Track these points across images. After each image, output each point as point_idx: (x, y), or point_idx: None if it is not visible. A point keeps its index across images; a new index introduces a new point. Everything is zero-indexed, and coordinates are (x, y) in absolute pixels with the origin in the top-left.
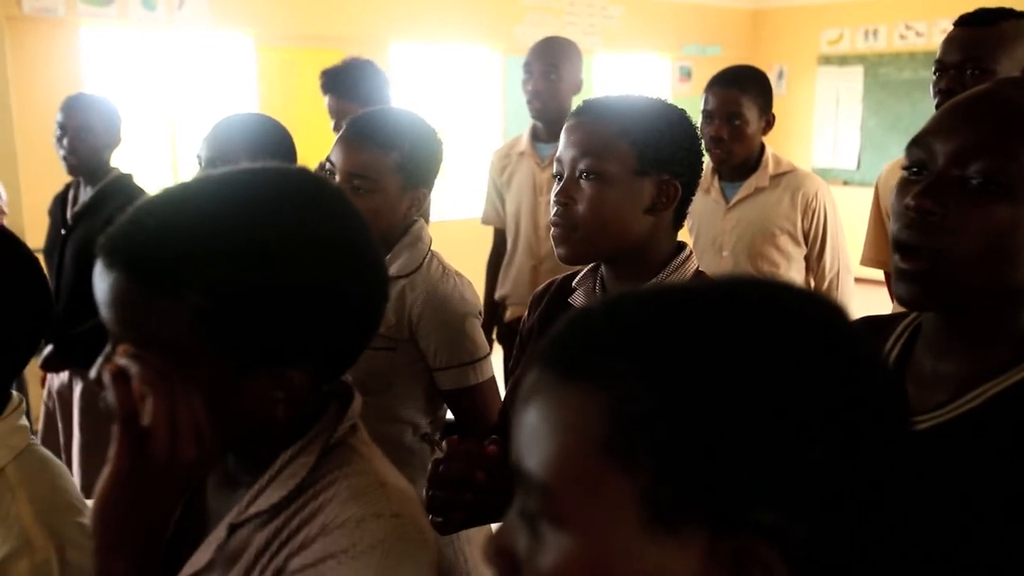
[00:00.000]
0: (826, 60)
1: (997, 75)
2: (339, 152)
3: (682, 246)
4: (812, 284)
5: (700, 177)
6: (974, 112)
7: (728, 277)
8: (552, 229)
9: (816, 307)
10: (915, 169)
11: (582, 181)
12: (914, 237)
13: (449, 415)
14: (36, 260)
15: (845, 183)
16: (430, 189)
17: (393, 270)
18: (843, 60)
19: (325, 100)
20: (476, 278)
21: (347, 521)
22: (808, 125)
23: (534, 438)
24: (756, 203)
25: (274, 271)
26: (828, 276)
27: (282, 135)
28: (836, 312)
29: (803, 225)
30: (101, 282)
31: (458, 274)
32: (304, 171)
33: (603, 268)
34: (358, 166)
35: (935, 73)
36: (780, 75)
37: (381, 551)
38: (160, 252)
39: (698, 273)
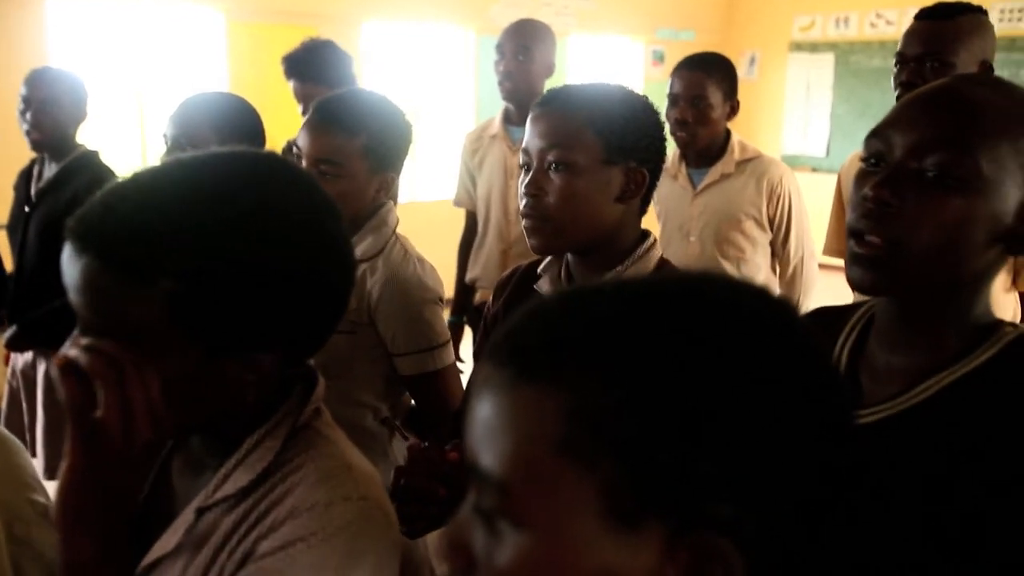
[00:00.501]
0: (797, 47)
1: (956, 68)
2: (305, 137)
3: (646, 234)
4: (778, 269)
5: (663, 163)
6: (932, 106)
7: (684, 273)
8: (523, 220)
9: (769, 304)
10: (873, 160)
11: (551, 172)
12: (871, 227)
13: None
14: None
15: (814, 170)
16: (398, 172)
17: (356, 253)
18: (814, 47)
19: (290, 85)
20: (448, 259)
21: (316, 504)
22: (779, 111)
23: (489, 435)
24: (722, 189)
25: (246, 256)
26: (793, 261)
27: (248, 114)
28: (788, 309)
29: (768, 211)
30: (71, 267)
31: (420, 259)
32: (274, 155)
33: (568, 255)
34: (325, 151)
35: (896, 66)
36: (752, 61)
37: (350, 533)
38: (133, 238)
39: (662, 261)
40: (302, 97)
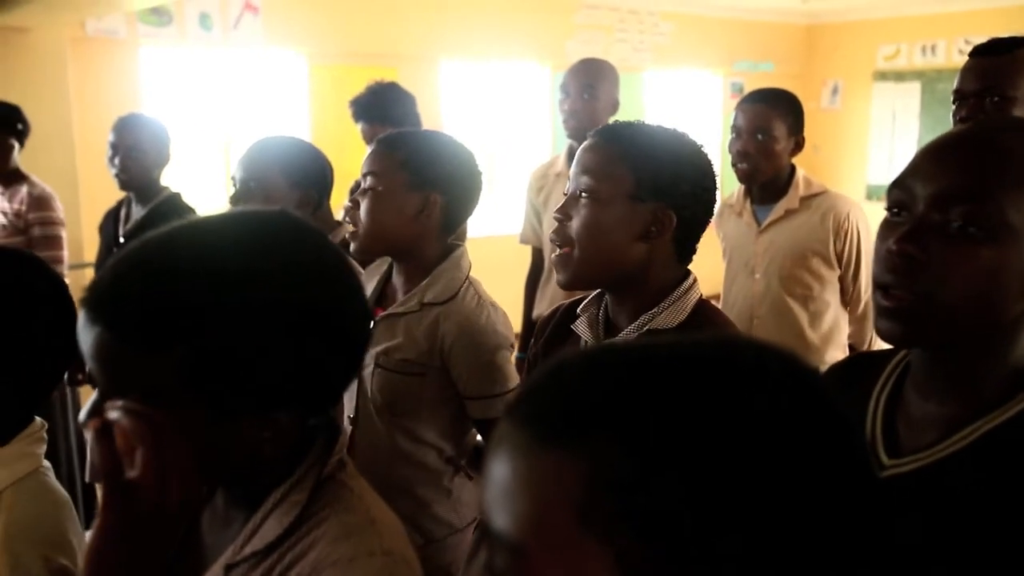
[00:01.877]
0: (882, 76)
1: (1017, 101)
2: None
3: (686, 275)
4: (848, 307)
5: (709, 213)
6: (952, 155)
7: (711, 337)
8: (553, 252)
9: (796, 372)
10: (896, 210)
11: (580, 199)
12: (897, 281)
13: (478, 438)
14: (65, 287)
15: None
16: (451, 199)
17: (429, 296)
18: (900, 76)
19: (358, 127)
20: (519, 294)
21: (339, 560)
22: (864, 141)
23: (506, 497)
24: (787, 225)
25: (256, 320)
26: (864, 299)
27: (316, 157)
28: (815, 377)
29: (836, 247)
30: (84, 335)
31: (493, 305)
32: (284, 214)
33: (606, 296)
34: (368, 166)
35: (954, 103)
36: (835, 90)
37: None
38: (141, 310)
39: (699, 304)
40: (370, 138)
